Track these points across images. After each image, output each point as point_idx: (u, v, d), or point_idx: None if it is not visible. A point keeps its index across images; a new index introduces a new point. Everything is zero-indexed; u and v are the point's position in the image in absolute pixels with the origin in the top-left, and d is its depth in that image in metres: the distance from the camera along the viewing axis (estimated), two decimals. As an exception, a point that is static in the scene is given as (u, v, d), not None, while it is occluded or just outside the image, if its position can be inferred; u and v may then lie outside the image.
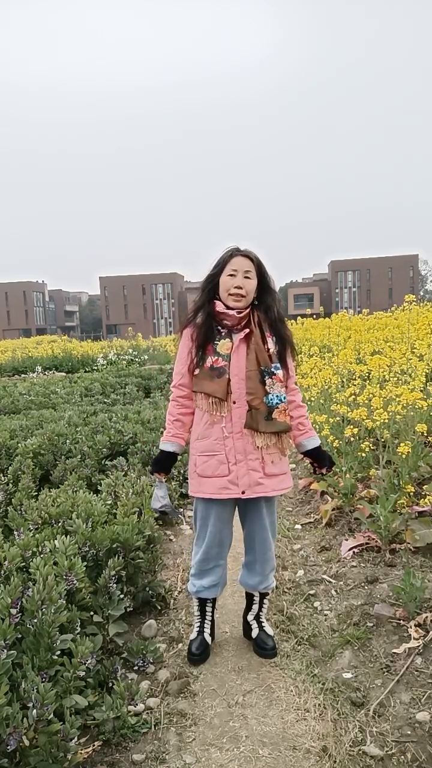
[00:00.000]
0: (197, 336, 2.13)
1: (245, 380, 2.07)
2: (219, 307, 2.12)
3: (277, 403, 2.09)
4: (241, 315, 2.11)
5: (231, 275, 2.10)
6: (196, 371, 2.12)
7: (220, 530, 2.19)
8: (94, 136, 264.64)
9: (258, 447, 2.09)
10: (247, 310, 2.14)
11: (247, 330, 2.12)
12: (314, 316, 11.63)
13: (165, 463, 2.23)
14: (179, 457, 2.33)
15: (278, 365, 2.12)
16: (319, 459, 2.26)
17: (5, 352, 19.85)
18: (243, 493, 2.09)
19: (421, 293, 70.99)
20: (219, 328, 2.13)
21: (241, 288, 2.08)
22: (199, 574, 2.28)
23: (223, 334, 2.11)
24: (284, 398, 2.12)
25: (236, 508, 2.27)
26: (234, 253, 2.13)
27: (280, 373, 2.11)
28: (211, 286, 2.16)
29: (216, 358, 2.08)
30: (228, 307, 2.11)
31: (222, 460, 2.09)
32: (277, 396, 2.09)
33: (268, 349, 2.11)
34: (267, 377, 2.08)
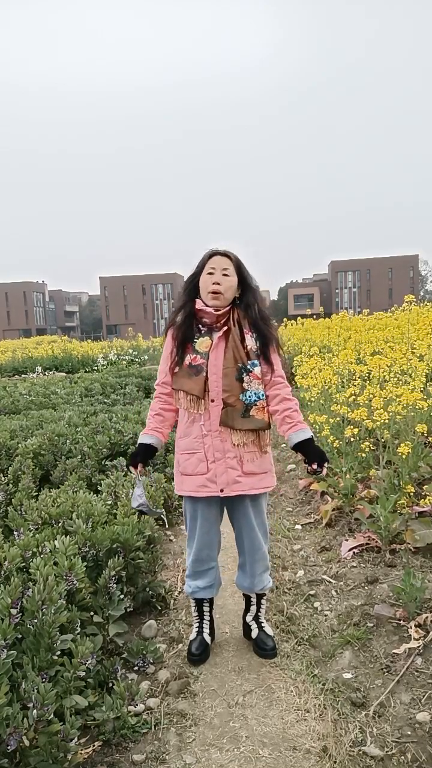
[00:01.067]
0: (177, 334, 2.15)
1: (222, 378, 2.08)
2: (198, 304, 2.14)
3: (255, 401, 2.09)
4: (219, 313, 2.12)
5: (210, 274, 2.12)
6: (176, 369, 2.14)
7: (208, 531, 2.20)
8: (94, 136, 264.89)
9: (235, 445, 2.09)
10: (227, 308, 2.15)
11: (226, 327, 2.13)
12: (314, 317, 11.63)
13: (143, 457, 2.20)
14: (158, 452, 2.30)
15: (256, 362, 2.11)
16: (308, 454, 2.10)
17: (5, 352, 19.85)
18: (221, 491, 2.10)
19: (421, 293, 70.98)
20: (199, 326, 2.15)
21: (219, 284, 2.10)
22: (194, 575, 2.28)
23: (202, 332, 2.13)
24: (262, 395, 2.12)
25: (224, 509, 2.26)
26: (212, 253, 2.16)
27: (257, 370, 2.11)
28: (191, 286, 2.19)
29: (194, 356, 2.10)
30: (207, 306, 2.13)
31: (201, 458, 2.10)
32: (254, 393, 2.10)
33: (246, 347, 2.11)
34: (244, 374, 2.09)
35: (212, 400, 2.08)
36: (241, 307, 2.18)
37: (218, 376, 2.08)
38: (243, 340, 2.12)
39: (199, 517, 2.18)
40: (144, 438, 2.21)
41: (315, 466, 2.08)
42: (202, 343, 2.11)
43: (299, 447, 2.11)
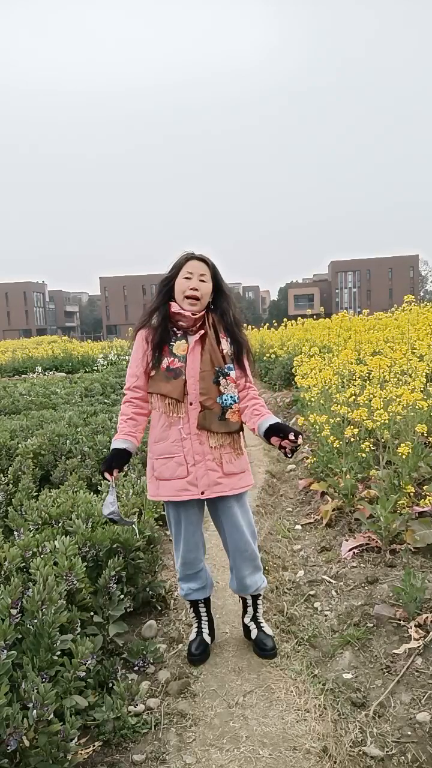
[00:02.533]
0: (153, 337, 2.12)
1: (199, 381, 2.08)
2: (174, 308, 2.12)
3: (230, 404, 2.11)
4: (196, 317, 2.12)
5: (187, 278, 2.11)
6: (152, 372, 2.12)
7: (193, 533, 2.20)
8: (94, 136, 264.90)
9: (212, 447, 2.09)
10: (202, 313, 2.15)
11: (202, 331, 2.13)
12: (314, 317, 11.63)
13: (116, 461, 2.09)
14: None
15: (231, 366, 2.14)
16: (281, 429, 2.03)
17: (5, 352, 19.86)
18: (202, 493, 2.09)
19: (422, 293, 71.01)
20: (174, 329, 2.13)
21: (196, 290, 2.10)
22: (185, 578, 2.29)
23: (178, 335, 2.12)
24: (237, 399, 2.14)
25: (203, 511, 2.26)
26: (189, 257, 2.14)
27: (233, 374, 2.13)
28: (167, 288, 2.16)
29: (172, 359, 2.09)
30: (184, 309, 2.12)
31: (180, 461, 2.09)
32: (230, 396, 2.11)
33: (222, 350, 2.13)
34: (221, 377, 2.10)
35: (190, 403, 2.08)
36: (217, 313, 2.19)
37: (195, 379, 2.08)
38: (219, 344, 2.13)
39: (183, 520, 2.18)
40: (117, 443, 2.13)
41: (292, 436, 1.98)
42: (179, 347, 2.10)
43: (269, 431, 2.06)
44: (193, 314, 2.11)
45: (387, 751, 1.73)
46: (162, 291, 2.17)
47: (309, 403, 4.51)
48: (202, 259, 2.15)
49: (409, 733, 1.77)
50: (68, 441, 4.39)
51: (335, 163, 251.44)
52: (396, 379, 3.86)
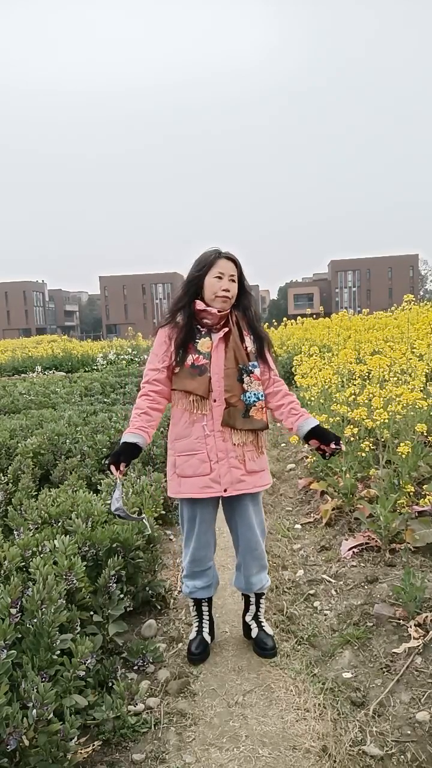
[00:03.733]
0: (178, 334, 2.12)
1: (224, 378, 2.09)
2: (199, 305, 2.13)
3: (254, 401, 2.11)
4: (222, 314, 2.13)
5: (218, 278, 2.11)
6: (176, 369, 2.12)
7: (205, 531, 2.20)
8: (94, 136, 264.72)
9: (236, 444, 2.10)
10: (227, 311, 2.16)
11: (226, 329, 2.14)
12: (314, 316, 11.63)
13: (124, 455, 2.04)
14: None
15: (255, 364, 2.15)
16: (324, 435, 2.13)
17: (5, 351, 19.85)
18: (225, 491, 2.10)
19: (421, 293, 70.98)
20: (198, 327, 2.14)
21: (228, 291, 2.11)
22: (191, 575, 2.28)
23: (202, 333, 2.13)
24: (261, 396, 2.14)
25: (218, 508, 2.26)
26: (219, 255, 2.14)
27: (257, 371, 2.14)
28: (195, 287, 2.15)
29: (197, 356, 2.09)
30: (210, 307, 2.12)
31: (203, 458, 2.09)
32: (254, 394, 2.12)
33: (246, 348, 2.14)
34: (245, 375, 2.11)
35: (214, 400, 2.09)
36: (239, 310, 2.20)
37: (220, 376, 2.09)
38: (242, 341, 2.14)
39: (198, 518, 2.18)
40: (129, 437, 2.07)
41: (333, 445, 2.11)
42: (203, 344, 2.10)
43: (311, 434, 2.14)
44: (218, 311, 2.12)
45: (387, 751, 1.73)
46: (190, 289, 2.16)
47: (309, 403, 4.50)
48: (231, 259, 2.15)
49: (409, 732, 1.77)
50: (68, 440, 4.39)
51: (335, 163, 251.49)
52: (396, 379, 3.86)
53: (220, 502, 2.23)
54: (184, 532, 2.26)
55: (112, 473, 2.06)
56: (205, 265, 2.14)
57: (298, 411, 2.18)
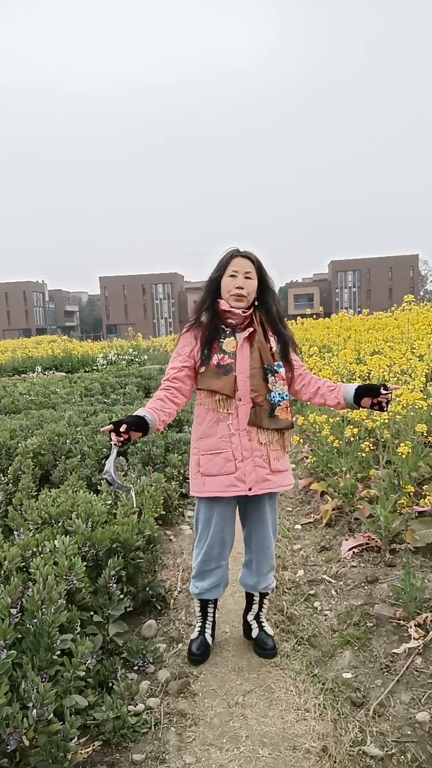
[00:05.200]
0: (203, 334, 2.14)
1: (249, 378, 2.09)
2: (223, 305, 2.14)
3: (279, 401, 2.11)
4: (246, 314, 2.15)
5: (232, 276, 2.13)
6: (202, 369, 2.12)
7: (222, 528, 2.19)
8: (94, 136, 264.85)
9: (262, 443, 2.10)
10: (250, 310, 2.17)
11: (251, 329, 2.15)
12: (314, 316, 11.64)
13: (128, 424, 1.93)
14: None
15: (280, 363, 2.15)
16: (372, 390, 2.11)
17: (5, 352, 19.85)
18: (250, 489, 2.10)
19: (421, 293, 71.00)
20: (223, 327, 2.15)
21: (242, 288, 2.12)
22: (200, 575, 2.28)
23: (227, 332, 2.14)
24: (286, 396, 2.15)
25: (236, 508, 2.27)
26: (234, 254, 2.16)
27: (282, 371, 2.15)
28: (214, 288, 2.18)
29: (222, 355, 2.10)
30: (233, 306, 2.14)
31: (228, 457, 2.09)
32: (279, 394, 2.12)
33: (271, 348, 2.15)
34: (270, 375, 2.12)
35: (239, 399, 2.09)
36: (262, 309, 2.21)
37: (245, 375, 2.09)
38: (267, 340, 2.15)
39: (215, 516, 2.17)
40: (138, 411, 2.00)
41: (383, 391, 2.09)
42: (228, 344, 2.11)
43: (359, 396, 2.13)
44: (242, 311, 2.13)
45: (387, 751, 1.73)
46: (210, 290, 2.19)
47: (308, 403, 4.50)
48: (247, 256, 2.15)
49: (409, 732, 1.77)
50: (68, 440, 4.39)
51: (335, 163, 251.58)
52: (396, 379, 3.86)
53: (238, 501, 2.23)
54: (198, 531, 2.25)
55: (111, 439, 1.96)
56: (221, 265, 2.17)
57: (334, 386, 2.20)
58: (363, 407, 2.16)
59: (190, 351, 2.15)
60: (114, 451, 2.02)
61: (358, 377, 4.16)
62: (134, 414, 2.00)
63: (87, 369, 15.64)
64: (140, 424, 1.96)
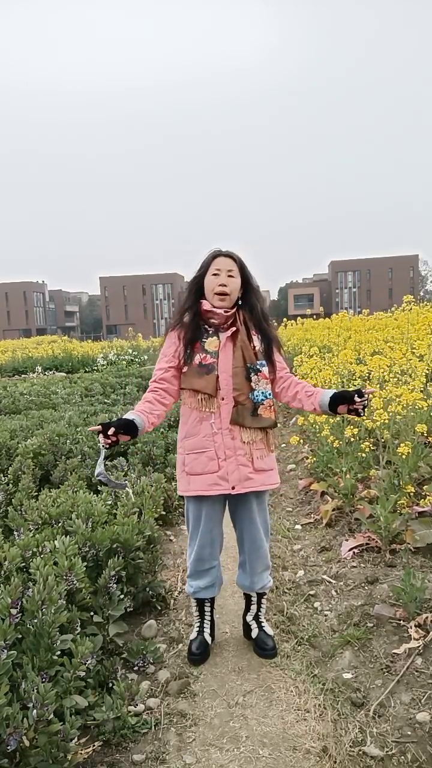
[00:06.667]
0: (185, 334, 2.15)
1: (232, 377, 2.10)
2: (206, 306, 2.15)
3: (262, 400, 2.12)
4: (228, 314, 2.15)
5: (215, 275, 2.14)
6: (185, 369, 2.14)
7: (211, 529, 2.20)
8: (94, 136, 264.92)
9: (245, 442, 2.11)
10: (233, 310, 2.18)
11: (234, 328, 2.15)
12: (314, 317, 11.65)
13: (117, 427, 1.98)
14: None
15: (263, 362, 2.16)
16: (345, 395, 2.10)
17: (5, 352, 19.85)
18: (233, 488, 2.11)
19: (422, 293, 70.97)
20: (206, 326, 2.16)
21: (225, 286, 2.13)
22: (195, 575, 2.28)
23: (210, 332, 2.14)
24: (270, 395, 2.16)
25: (226, 507, 2.27)
26: (216, 254, 2.17)
27: (265, 370, 2.16)
28: (197, 287, 2.19)
29: (204, 355, 2.11)
30: (215, 306, 2.14)
31: (211, 456, 2.10)
32: (262, 392, 2.13)
33: (254, 347, 2.15)
34: (252, 374, 2.12)
35: (222, 399, 2.10)
36: (246, 309, 2.21)
37: (228, 374, 2.10)
38: (250, 340, 2.15)
39: (204, 516, 2.18)
40: (127, 415, 2.05)
41: (357, 398, 2.08)
42: (211, 343, 2.12)
43: (334, 402, 2.12)
44: (225, 311, 2.13)
45: (387, 751, 1.73)
46: (193, 290, 2.20)
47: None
48: (229, 255, 2.17)
49: (409, 732, 1.77)
50: (68, 441, 4.39)
51: (335, 163, 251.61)
52: (396, 379, 3.86)
53: (227, 500, 2.23)
54: (189, 530, 2.27)
55: (99, 441, 2.03)
56: (204, 265, 2.18)
57: (312, 391, 2.20)
58: (339, 414, 2.16)
59: (175, 351, 2.16)
60: (103, 453, 2.07)
61: (359, 377, 4.16)
62: (123, 417, 2.04)
63: (87, 369, 15.65)
64: (129, 427, 2.01)
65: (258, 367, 2.13)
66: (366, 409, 2.15)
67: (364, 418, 3.25)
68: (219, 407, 2.10)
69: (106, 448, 2.03)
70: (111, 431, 1.97)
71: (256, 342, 2.16)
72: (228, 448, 2.10)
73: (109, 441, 1.99)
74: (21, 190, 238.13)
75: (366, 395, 2.10)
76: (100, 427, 2.01)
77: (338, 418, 3.87)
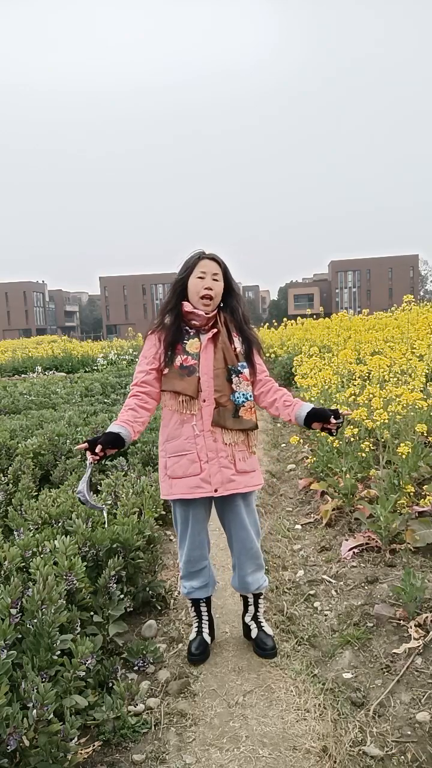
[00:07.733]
0: (166, 336, 2.13)
1: (213, 378, 2.09)
2: (187, 307, 2.14)
3: (243, 401, 2.12)
4: (209, 315, 2.15)
5: (200, 278, 2.12)
6: (165, 371, 2.13)
7: (198, 532, 2.20)
8: (93, 136, 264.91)
9: (227, 444, 2.11)
10: (215, 312, 2.18)
11: (215, 330, 2.15)
12: (314, 317, 11.65)
13: (103, 443, 1.98)
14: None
15: (244, 364, 2.16)
16: (322, 413, 2.12)
17: (5, 352, 19.85)
18: (216, 491, 2.10)
19: (421, 293, 71.01)
20: (187, 328, 2.15)
21: (211, 289, 2.12)
22: (188, 576, 2.29)
23: (191, 334, 2.14)
24: (250, 397, 2.15)
25: (212, 508, 2.27)
26: (201, 256, 2.16)
27: (246, 371, 2.15)
28: (180, 288, 2.18)
29: (185, 357, 2.10)
30: (197, 308, 2.13)
31: (193, 458, 2.10)
32: (243, 394, 2.12)
33: (235, 349, 2.15)
34: (234, 375, 2.12)
35: (204, 401, 2.09)
36: (227, 311, 2.21)
37: (209, 376, 2.10)
38: (231, 342, 2.16)
39: (191, 519, 2.18)
40: (111, 427, 2.05)
41: (333, 420, 2.10)
42: (192, 345, 2.11)
43: (310, 418, 2.13)
44: (206, 313, 2.13)
45: (387, 751, 1.73)
46: (176, 291, 2.19)
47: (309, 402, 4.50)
48: (214, 258, 2.16)
49: (409, 732, 1.77)
50: (68, 441, 4.39)
51: (335, 163, 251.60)
52: (396, 379, 3.86)
53: (213, 502, 2.23)
54: (178, 533, 2.26)
55: (86, 457, 2.04)
56: (188, 267, 2.16)
57: (290, 402, 2.20)
58: (313, 429, 2.18)
59: (156, 353, 2.15)
60: (89, 470, 2.06)
61: (358, 377, 4.16)
62: (108, 431, 2.04)
63: (87, 369, 15.64)
64: (115, 441, 2.01)
65: (239, 368, 2.13)
66: (339, 430, 2.19)
67: (365, 418, 3.26)
68: (200, 409, 2.09)
69: (93, 465, 2.05)
70: (98, 448, 1.99)
71: (237, 344, 2.16)
72: (210, 450, 2.10)
73: (97, 457, 2.01)
74: (21, 190, 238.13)
75: (341, 417, 2.13)
76: (86, 444, 2.02)
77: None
